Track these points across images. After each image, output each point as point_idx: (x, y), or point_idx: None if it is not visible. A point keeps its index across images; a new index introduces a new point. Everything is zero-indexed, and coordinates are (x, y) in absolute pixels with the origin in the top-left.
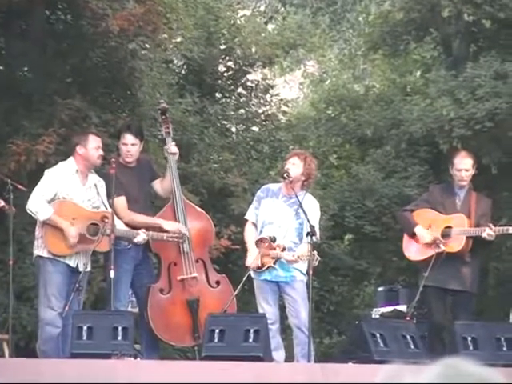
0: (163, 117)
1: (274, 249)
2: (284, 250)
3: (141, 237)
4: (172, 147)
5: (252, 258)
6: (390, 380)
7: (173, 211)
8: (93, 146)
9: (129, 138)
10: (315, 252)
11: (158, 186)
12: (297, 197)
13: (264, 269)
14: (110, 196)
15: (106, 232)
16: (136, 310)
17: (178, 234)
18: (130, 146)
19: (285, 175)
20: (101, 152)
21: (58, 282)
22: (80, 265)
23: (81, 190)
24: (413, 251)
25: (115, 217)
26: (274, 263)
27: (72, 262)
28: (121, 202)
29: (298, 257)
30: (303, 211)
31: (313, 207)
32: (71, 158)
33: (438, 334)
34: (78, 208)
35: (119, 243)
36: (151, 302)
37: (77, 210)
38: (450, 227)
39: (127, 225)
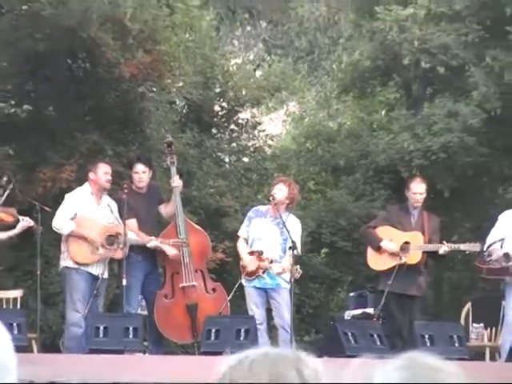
0: (169, 149)
1: (263, 261)
2: (271, 262)
3: (153, 243)
4: (176, 181)
5: (248, 261)
6: (361, 372)
7: (175, 230)
8: (102, 171)
9: (140, 167)
10: (298, 266)
11: (163, 210)
12: (281, 217)
13: (254, 277)
14: (122, 217)
15: (120, 243)
16: (145, 312)
17: (176, 243)
18: (142, 174)
19: (270, 198)
20: (109, 177)
21: (82, 288)
22: (100, 272)
23: (96, 208)
24: (377, 263)
25: (128, 229)
26: (263, 273)
27: (94, 270)
28: (132, 223)
29: (283, 269)
30: (286, 230)
31: (295, 226)
32: (86, 183)
33: (399, 333)
34: (96, 222)
35: (132, 257)
36: (157, 306)
37: (95, 224)
38: (408, 242)
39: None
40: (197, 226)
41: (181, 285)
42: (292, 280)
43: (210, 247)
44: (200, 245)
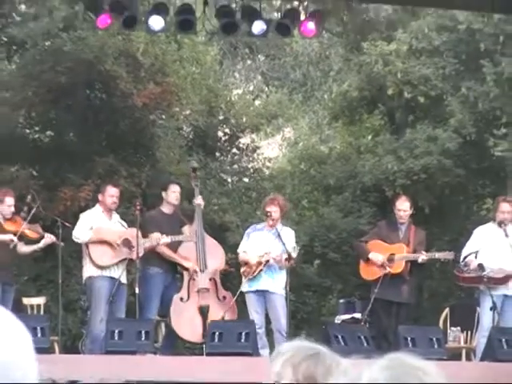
0: (193, 174)
1: (262, 257)
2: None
3: (164, 240)
4: (199, 200)
5: (252, 257)
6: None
7: (195, 246)
8: (108, 194)
9: (176, 188)
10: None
11: (187, 231)
12: (277, 230)
13: (254, 275)
14: (145, 230)
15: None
16: (157, 318)
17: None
18: (178, 194)
19: (268, 215)
20: (115, 199)
21: (104, 294)
22: (122, 277)
23: (109, 223)
24: (367, 273)
25: (140, 236)
26: (264, 265)
27: (115, 274)
28: (156, 236)
29: (279, 259)
30: (282, 243)
31: (290, 235)
32: (97, 204)
33: (385, 335)
34: (111, 229)
35: (153, 269)
36: (173, 308)
37: (111, 230)
38: (393, 254)
39: (159, 254)
40: (215, 242)
41: (196, 287)
42: (288, 288)
43: (223, 260)
44: (216, 257)
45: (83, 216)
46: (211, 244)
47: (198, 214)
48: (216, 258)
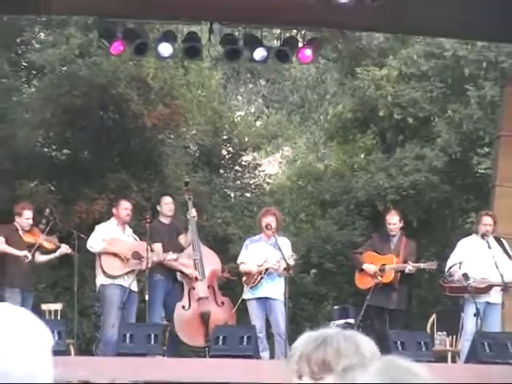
0: (186, 187)
1: (262, 265)
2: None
3: (171, 256)
4: (192, 212)
5: (252, 267)
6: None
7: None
8: (122, 207)
9: (168, 199)
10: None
11: (183, 240)
12: (275, 240)
13: (255, 283)
14: (150, 240)
15: (144, 257)
16: (165, 322)
17: (191, 275)
18: (171, 204)
19: (267, 227)
20: (128, 212)
21: (116, 301)
22: (133, 285)
23: (122, 235)
24: (361, 282)
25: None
26: (264, 273)
27: (125, 283)
28: (158, 247)
29: (278, 261)
30: (281, 252)
31: (286, 244)
32: (112, 218)
33: (376, 340)
34: (123, 241)
35: (157, 276)
36: (176, 315)
37: (123, 243)
38: (384, 264)
39: (161, 263)
40: (210, 250)
41: (197, 296)
42: (287, 295)
43: (220, 268)
44: (212, 266)
45: (98, 227)
46: (207, 254)
47: (193, 226)
48: (213, 266)
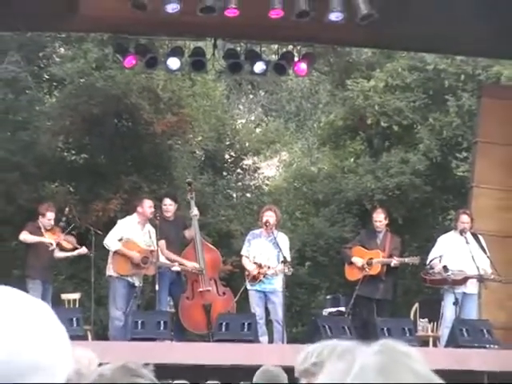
0: (189, 187)
1: (262, 268)
2: (269, 267)
3: (176, 268)
4: (194, 210)
5: (252, 268)
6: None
7: (193, 251)
8: (147, 206)
9: (167, 201)
10: (289, 267)
11: (187, 234)
12: (274, 235)
13: (256, 282)
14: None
15: (152, 263)
16: (172, 310)
17: (194, 268)
18: (168, 206)
19: (266, 224)
20: (152, 209)
21: (122, 292)
22: (136, 282)
23: (140, 233)
24: (350, 274)
25: (160, 254)
26: (264, 276)
27: (131, 279)
28: (162, 243)
29: (276, 271)
30: (279, 247)
31: (284, 240)
32: (135, 214)
33: (365, 326)
34: (136, 245)
35: (163, 269)
36: (181, 305)
37: (135, 246)
38: (371, 258)
39: (166, 258)
40: (211, 246)
41: (199, 289)
42: (284, 286)
43: (220, 261)
44: (213, 260)
45: (119, 223)
46: (208, 249)
47: (195, 224)
48: (214, 261)
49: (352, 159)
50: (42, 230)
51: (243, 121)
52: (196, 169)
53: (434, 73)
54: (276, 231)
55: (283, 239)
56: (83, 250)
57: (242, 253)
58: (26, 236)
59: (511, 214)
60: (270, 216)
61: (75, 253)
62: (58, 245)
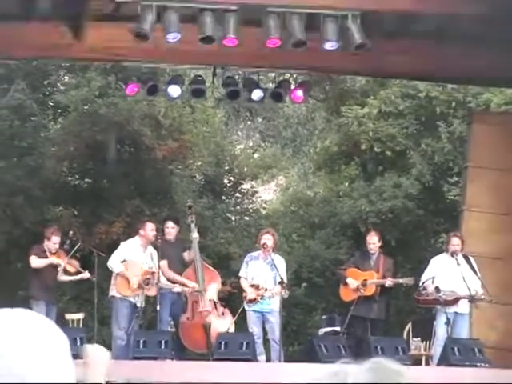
0: (189, 210)
1: (260, 290)
2: (266, 290)
3: (176, 289)
4: (195, 233)
5: (250, 292)
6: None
7: (194, 272)
8: (149, 229)
9: (170, 224)
10: (286, 290)
11: (186, 256)
12: (271, 258)
13: (254, 303)
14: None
15: (154, 284)
16: (173, 329)
17: (193, 288)
18: (171, 229)
19: (264, 246)
20: (154, 233)
21: (125, 312)
22: (138, 302)
23: (142, 255)
24: (345, 295)
25: (161, 275)
26: (261, 298)
27: (133, 300)
28: (164, 264)
29: (273, 294)
30: (276, 268)
31: (281, 263)
32: (137, 236)
33: (359, 345)
34: (138, 267)
35: (164, 289)
36: (181, 325)
37: (137, 268)
38: (366, 279)
39: (167, 279)
40: (211, 267)
41: (198, 310)
42: (281, 306)
43: (220, 283)
44: (213, 281)
45: (122, 245)
46: (208, 271)
47: (195, 246)
48: (213, 282)
49: (347, 183)
50: (48, 253)
51: (241, 146)
52: (196, 193)
53: (425, 100)
54: (273, 253)
55: (280, 261)
56: (86, 274)
57: (240, 274)
58: (36, 261)
59: (501, 237)
60: (267, 239)
61: (78, 277)
62: (63, 268)
